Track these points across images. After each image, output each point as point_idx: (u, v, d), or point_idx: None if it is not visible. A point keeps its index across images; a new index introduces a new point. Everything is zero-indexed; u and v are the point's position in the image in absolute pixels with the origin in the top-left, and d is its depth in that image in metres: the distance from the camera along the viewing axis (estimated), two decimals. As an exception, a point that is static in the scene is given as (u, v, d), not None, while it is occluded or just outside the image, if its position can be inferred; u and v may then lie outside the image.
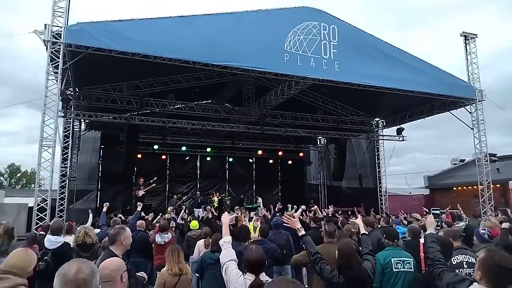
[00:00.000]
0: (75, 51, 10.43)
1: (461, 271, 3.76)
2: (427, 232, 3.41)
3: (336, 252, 3.62)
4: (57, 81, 10.45)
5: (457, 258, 3.95)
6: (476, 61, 15.75)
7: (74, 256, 5.68)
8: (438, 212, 3.79)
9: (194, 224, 8.69)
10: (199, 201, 17.85)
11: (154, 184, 17.50)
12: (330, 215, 12.21)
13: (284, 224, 4.62)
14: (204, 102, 18.28)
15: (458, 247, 4.16)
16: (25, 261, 3.00)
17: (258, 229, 7.21)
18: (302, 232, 3.94)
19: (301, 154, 24.14)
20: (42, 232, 8.18)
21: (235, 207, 16.77)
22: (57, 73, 10.33)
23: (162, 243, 6.97)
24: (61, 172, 14.31)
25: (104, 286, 2.35)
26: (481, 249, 4.00)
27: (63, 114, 13.32)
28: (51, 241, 5.56)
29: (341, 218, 10.04)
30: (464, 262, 3.90)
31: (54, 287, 1.73)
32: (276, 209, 11.22)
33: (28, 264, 3.02)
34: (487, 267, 2.28)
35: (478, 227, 5.04)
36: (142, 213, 12.72)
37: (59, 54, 10.12)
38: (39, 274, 5.20)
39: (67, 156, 15.01)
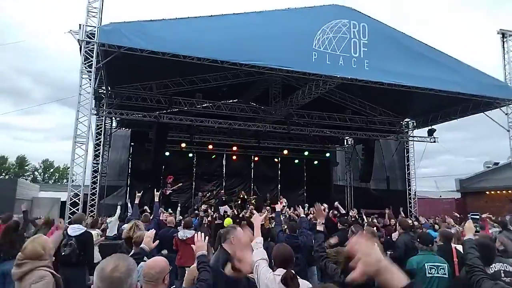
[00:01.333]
0: (108, 51, 10.73)
1: None
2: (465, 238, 3.31)
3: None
4: (90, 79, 10.76)
5: (494, 266, 3.76)
6: (514, 60, 15.10)
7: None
8: (477, 217, 3.56)
9: (228, 221, 8.84)
10: (223, 199, 18.00)
11: (181, 184, 17.98)
12: (354, 218, 12.09)
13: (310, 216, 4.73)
14: (231, 101, 18.39)
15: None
16: (39, 247, 3.21)
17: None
18: (320, 228, 3.97)
19: (327, 155, 23.88)
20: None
21: (262, 207, 16.86)
22: (90, 72, 10.64)
23: (184, 238, 7.08)
24: (93, 168, 14.75)
25: (146, 284, 2.53)
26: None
27: (96, 112, 13.72)
28: (74, 229, 5.93)
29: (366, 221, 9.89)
30: (502, 271, 3.70)
31: (94, 281, 1.77)
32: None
33: (43, 248, 3.23)
34: None
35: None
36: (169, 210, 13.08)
37: (93, 53, 10.44)
38: (63, 258, 5.50)
39: (99, 153, 15.47)
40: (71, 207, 10.37)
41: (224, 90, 16.62)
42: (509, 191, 17.65)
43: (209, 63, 11.42)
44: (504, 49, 15.28)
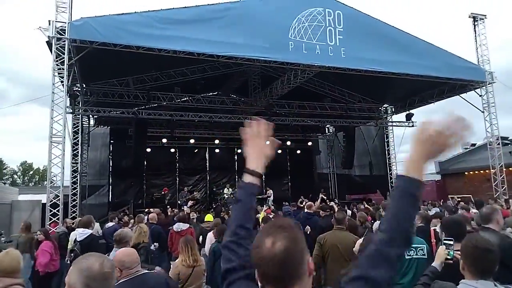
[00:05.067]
0: (80, 47, 10.45)
1: None
2: (432, 264, 2.98)
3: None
4: (63, 77, 10.48)
5: None
6: (485, 43, 15.40)
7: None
8: (451, 242, 3.20)
9: (209, 217, 8.93)
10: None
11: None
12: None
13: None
14: (211, 94, 18.27)
15: (468, 231, 4.07)
16: (11, 262, 2.97)
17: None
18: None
19: (309, 143, 24.04)
20: (64, 229, 8.44)
21: None
22: (63, 69, 10.35)
23: (179, 230, 7.36)
24: (72, 168, 14.45)
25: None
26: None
27: (71, 110, 13.39)
28: (80, 233, 5.93)
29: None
30: None
31: (76, 283, 1.64)
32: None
33: (15, 264, 2.99)
34: (466, 251, 2.30)
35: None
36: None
37: (64, 50, 10.15)
38: (70, 264, 5.48)
39: (78, 152, 15.15)
40: (52, 209, 10.14)
41: (202, 83, 16.45)
42: (486, 171, 18.10)
43: (185, 55, 11.25)
44: (475, 32, 15.57)
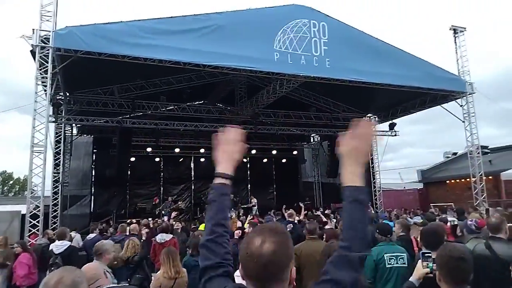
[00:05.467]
0: (64, 55, 10.33)
1: None
2: (410, 279, 2.94)
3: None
4: (46, 86, 10.33)
5: None
6: (465, 54, 15.83)
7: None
8: (430, 254, 3.24)
9: (202, 227, 8.94)
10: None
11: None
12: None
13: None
14: (197, 103, 18.24)
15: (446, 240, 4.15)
16: None
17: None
18: None
19: (294, 152, 24.14)
20: (46, 241, 8.23)
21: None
22: (46, 78, 10.21)
23: (162, 241, 7.27)
24: (54, 178, 14.17)
25: None
26: (469, 240, 4.00)
27: (54, 119, 13.19)
28: (58, 246, 5.76)
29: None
30: None
31: None
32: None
33: None
34: (440, 261, 2.32)
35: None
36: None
37: (48, 58, 10.02)
38: None
39: (59, 162, 14.87)
40: (32, 220, 9.90)
41: (188, 92, 16.43)
42: (467, 179, 18.51)
43: (171, 65, 11.25)
44: (456, 44, 16.01)
